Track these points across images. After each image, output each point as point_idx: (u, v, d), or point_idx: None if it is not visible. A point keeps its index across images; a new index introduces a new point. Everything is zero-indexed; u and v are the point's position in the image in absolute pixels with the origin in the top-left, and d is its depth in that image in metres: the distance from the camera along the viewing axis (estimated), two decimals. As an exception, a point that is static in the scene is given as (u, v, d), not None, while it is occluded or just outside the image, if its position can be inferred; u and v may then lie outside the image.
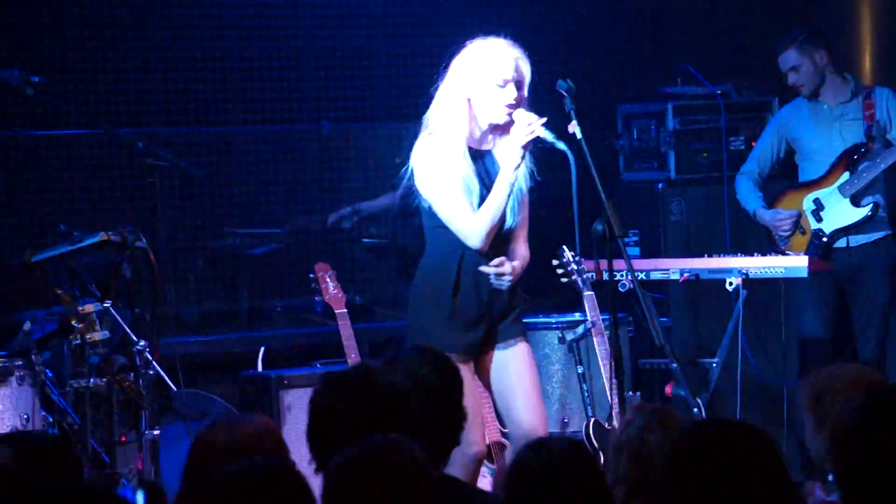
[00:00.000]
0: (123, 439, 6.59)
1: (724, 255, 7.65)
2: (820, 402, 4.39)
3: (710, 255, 7.67)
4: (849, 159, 7.83)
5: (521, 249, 6.12)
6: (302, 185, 8.95)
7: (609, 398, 6.68)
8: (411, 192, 6.06)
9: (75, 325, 6.10)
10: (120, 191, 8.47)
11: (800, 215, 7.88)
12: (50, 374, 6.68)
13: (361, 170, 9.06)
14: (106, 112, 8.43)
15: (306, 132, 8.95)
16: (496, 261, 5.90)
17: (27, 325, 6.79)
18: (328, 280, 7.24)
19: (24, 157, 8.34)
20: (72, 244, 6.42)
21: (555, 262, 7.11)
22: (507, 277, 5.91)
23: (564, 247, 7.09)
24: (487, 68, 5.93)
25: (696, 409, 7.02)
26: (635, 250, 8.35)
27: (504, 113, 5.93)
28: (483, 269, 5.89)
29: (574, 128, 5.89)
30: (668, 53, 9.30)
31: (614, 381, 5.82)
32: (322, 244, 8.87)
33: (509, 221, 6.00)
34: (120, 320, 6.83)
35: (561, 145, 5.89)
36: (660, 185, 8.57)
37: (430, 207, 6.00)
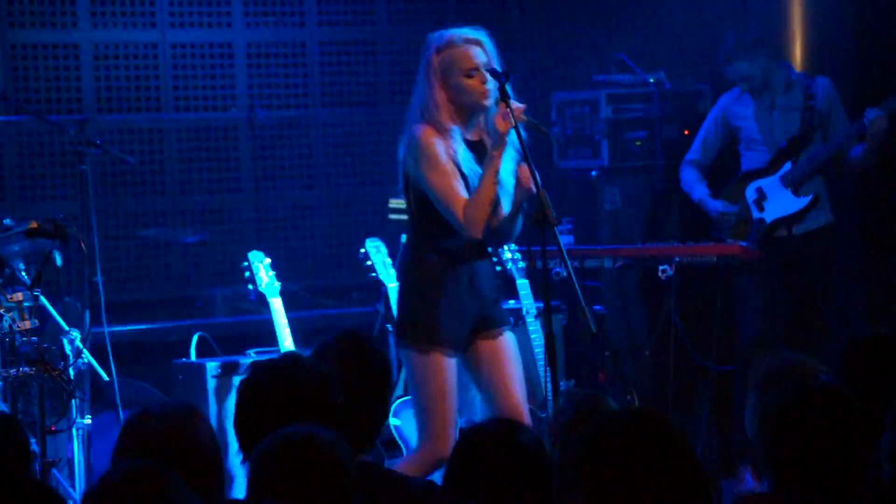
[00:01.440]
0: (53, 429, 6.53)
1: (656, 244, 7.68)
2: (765, 388, 4.43)
3: (643, 243, 7.70)
4: (791, 149, 7.87)
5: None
6: (234, 173, 8.91)
7: (543, 386, 6.69)
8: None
9: (4, 313, 6.04)
10: (51, 178, 8.40)
11: (741, 209, 7.90)
12: (-22, 363, 6.61)
13: (295, 157, 9.03)
14: (37, 99, 8.36)
15: (239, 119, 8.91)
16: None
17: (-45, 314, 6.71)
18: (261, 268, 7.21)
19: (-47, 144, 8.26)
20: (1, 232, 6.35)
21: (489, 251, 7.11)
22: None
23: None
24: (450, 64, 6.00)
25: (629, 397, 7.05)
26: (569, 238, 8.37)
27: (484, 96, 6.00)
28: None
29: (508, 116, 5.89)
30: (602, 41, 9.32)
31: (548, 369, 5.82)
32: (256, 232, 8.84)
33: (505, 208, 6.03)
34: (50, 309, 6.78)
35: (542, 129, 5.99)
36: (593, 173, 8.60)
37: (418, 198, 6.01)
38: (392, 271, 7.21)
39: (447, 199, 5.94)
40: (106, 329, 6.99)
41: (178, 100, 8.79)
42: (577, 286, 5.89)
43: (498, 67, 6.00)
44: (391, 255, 7.31)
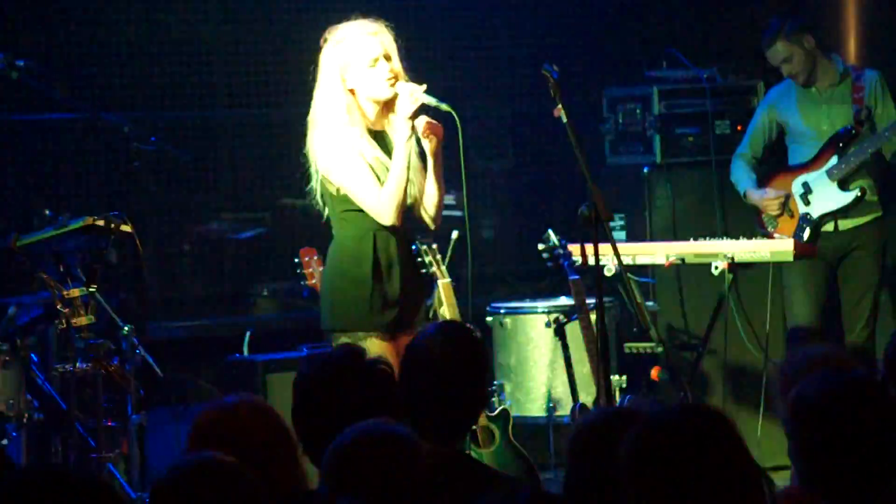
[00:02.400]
0: (109, 424, 6.58)
1: (709, 240, 7.65)
2: (791, 383, 4.41)
3: (695, 240, 7.67)
4: (837, 143, 7.83)
5: (428, 215, 6.22)
6: (288, 170, 8.93)
7: (595, 383, 6.68)
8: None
9: (61, 309, 6.09)
10: (105, 175, 8.45)
11: (788, 196, 7.88)
12: (35, 359, 6.67)
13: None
14: (91, 96, 8.41)
15: (292, 116, 8.92)
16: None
17: (12, 310, 6.78)
18: (313, 265, 7.23)
19: (8, 142, 8.32)
20: (57, 228, 6.40)
21: (540, 247, 7.10)
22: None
23: (550, 231, 7.09)
24: (351, 55, 6.03)
25: (682, 394, 7.02)
26: (621, 234, 8.35)
27: (385, 87, 6.03)
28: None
29: (560, 112, 5.89)
30: (654, 37, 9.29)
31: (600, 365, 5.81)
32: (307, 229, 8.86)
33: (411, 193, 6.09)
34: (105, 305, 6.82)
35: (445, 107, 6.01)
36: (645, 169, 8.57)
37: (336, 193, 6.05)
38: (444, 268, 7.21)
39: (362, 190, 5.99)
40: (160, 325, 7.03)
41: (232, 96, 8.82)
42: (629, 282, 5.89)
43: (399, 59, 6.05)
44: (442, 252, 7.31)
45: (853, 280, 7.87)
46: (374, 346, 5.93)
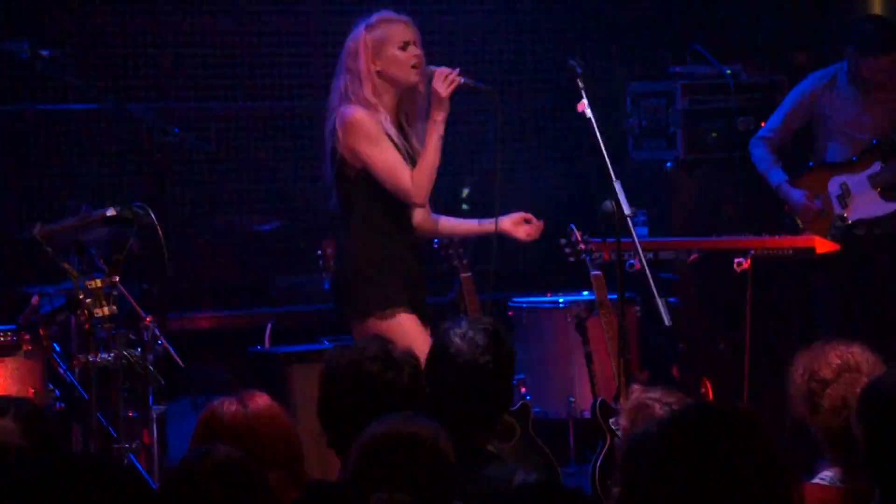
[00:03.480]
0: (130, 414, 6.59)
1: (732, 236, 7.63)
2: (812, 377, 4.39)
3: (718, 235, 7.65)
4: (882, 149, 7.73)
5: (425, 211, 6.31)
6: (310, 162, 8.94)
7: (616, 378, 6.68)
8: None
9: (83, 299, 6.09)
10: (128, 166, 8.47)
11: (822, 202, 7.77)
12: (57, 349, 6.69)
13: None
14: (115, 87, 8.43)
15: (315, 108, 8.93)
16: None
17: (35, 300, 6.79)
18: (335, 257, 7.23)
19: (32, 132, 8.34)
20: (80, 219, 6.41)
21: (562, 241, 7.10)
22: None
23: (573, 226, 7.08)
24: (384, 38, 6.12)
25: (702, 390, 7.02)
26: (644, 230, 8.34)
27: (413, 73, 6.11)
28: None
29: (584, 107, 5.89)
30: (678, 33, 9.27)
31: (622, 361, 5.81)
32: (330, 221, 8.87)
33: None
34: (128, 295, 6.83)
35: (485, 87, 6.14)
36: (668, 165, 8.56)
37: (356, 176, 6.06)
38: (466, 262, 7.21)
39: (392, 169, 6.04)
40: (182, 316, 7.04)
41: (253, 87, 8.83)
42: (651, 278, 5.88)
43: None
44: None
45: (879, 284, 7.77)
46: (409, 321, 5.96)
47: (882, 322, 7.77)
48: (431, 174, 6.03)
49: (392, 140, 6.07)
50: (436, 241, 6.90)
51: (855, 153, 7.79)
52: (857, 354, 4.39)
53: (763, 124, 8.33)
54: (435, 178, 6.06)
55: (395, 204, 6.11)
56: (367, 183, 6.08)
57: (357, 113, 6.06)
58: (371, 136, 6.04)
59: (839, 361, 4.35)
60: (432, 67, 6.08)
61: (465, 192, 9.00)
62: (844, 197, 7.78)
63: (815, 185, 7.84)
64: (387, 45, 6.11)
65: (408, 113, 6.19)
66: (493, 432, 4.54)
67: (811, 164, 7.99)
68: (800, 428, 7.78)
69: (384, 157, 6.04)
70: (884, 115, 7.79)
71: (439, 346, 4.51)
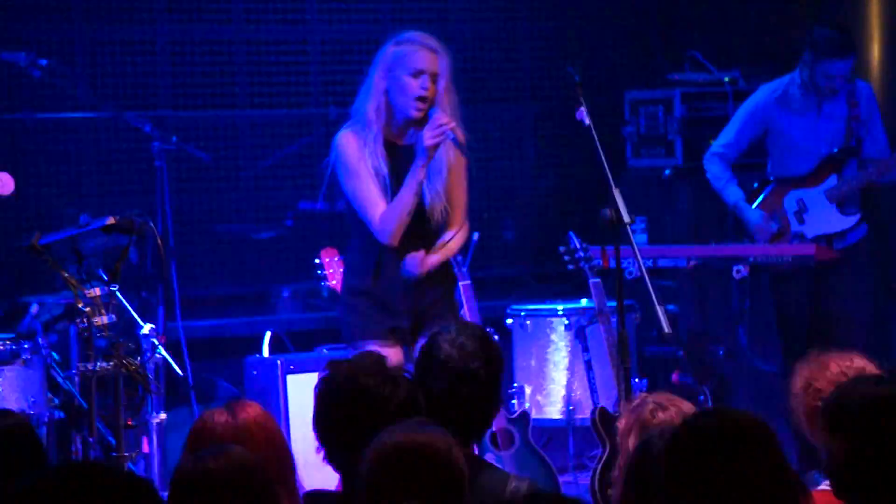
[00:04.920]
0: (130, 423, 6.59)
1: (730, 243, 7.62)
2: (809, 387, 4.39)
3: (717, 243, 7.65)
4: (835, 161, 7.64)
5: (454, 241, 6.13)
6: (310, 170, 8.95)
7: (616, 385, 6.67)
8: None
9: (82, 308, 6.09)
10: (127, 174, 8.48)
11: (779, 219, 7.62)
12: (56, 358, 6.69)
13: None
14: (113, 95, 8.44)
15: (313, 117, 8.95)
16: (411, 256, 5.94)
17: (34, 309, 6.80)
18: (334, 265, 7.23)
19: (31, 141, 8.34)
20: (79, 228, 6.41)
21: (562, 249, 7.10)
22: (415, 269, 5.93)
23: (572, 233, 7.08)
24: (401, 58, 5.96)
25: (701, 397, 7.02)
26: (642, 237, 8.34)
27: (415, 106, 5.94)
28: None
29: (582, 114, 5.89)
30: (676, 39, 9.28)
31: (621, 368, 5.81)
32: (328, 229, 8.87)
33: (437, 217, 6.02)
34: (126, 304, 6.83)
35: (464, 150, 5.94)
36: (667, 172, 8.56)
37: (347, 202, 6.06)
38: (463, 270, 7.21)
39: (364, 204, 5.95)
40: (181, 324, 7.04)
41: (252, 96, 8.84)
42: (650, 285, 5.88)
43: (447, 86, 5.94)
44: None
45: (847, 289, 7.66)
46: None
47: (841, 335, 7.61)
48: (401, 217, 5.90)
49: (374, 167, 5.93)
50: (317, 258, 6.92)
51: (810, 166, 7.64)
52: (857, 365, 4.38)
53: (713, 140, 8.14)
54: (406, 222, 5.91)
55: None
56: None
57: (342, 139, 5.97)
58: (349, 166, 5.95)
59: (838, 371, 4.34)
60: (436, 111, 5.90)
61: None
62: (801, 213, 7.62)
63: (770, 203, 7.66)
64: (400, 67, 5.94)
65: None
66: (480, 440, 4.53)
67: (770, 177, 7.80)
68: (800, 435, 7.79)
69: (359, 190, 5.95)
70: (836, 127, 7.64)
71: (429, 353, 4.50)
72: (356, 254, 6.11)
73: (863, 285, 7.69)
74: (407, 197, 5.90)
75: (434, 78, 5.94)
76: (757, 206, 7.69)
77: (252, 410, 3.91)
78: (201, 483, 3.29)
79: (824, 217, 7.62)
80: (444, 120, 5.87)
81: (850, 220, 7.61)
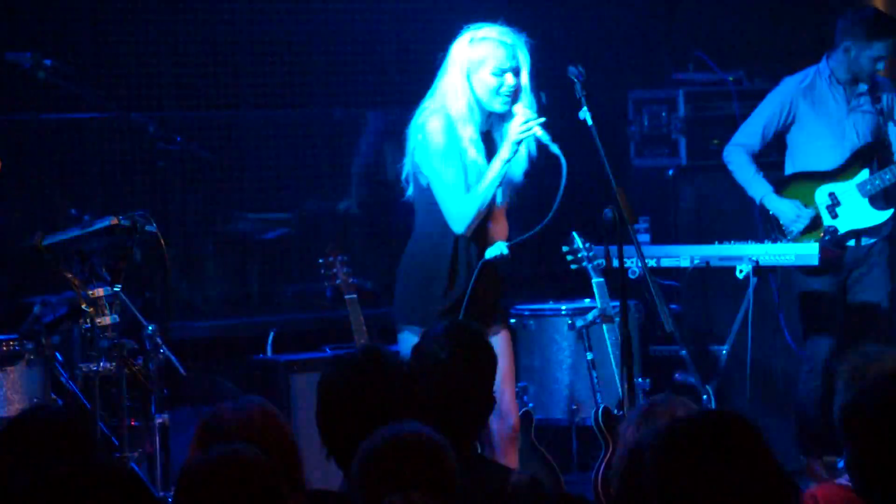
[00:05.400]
0: (133, 423, 6.60)
1: (734, 242, 7.62)
2: (854, 380, 4.37)
3: (720, 242, 7.64)
4: (867, 155, 7.65)
5: (502, 230, 6.20)
6: (313, 171, 8.95)
7: (619, 385, 6.67)
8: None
9: (85, 308, 6.11)
10: (130, 175, 8.48)
11: (816, 213, 7.66)
12: (60, 358, 6.70)
13: (373, 155, 9.06)
14: (117, 96, 8.44)
15: (318, 117, 8.95)
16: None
17: (37, 309, 6.80)
18: (338, 265, 7.23)
19: (35, 141, 8.34)
20: (82, 228, 6.42)
21: (565, 249, 7.09)
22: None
23: (575, 233, 7.08)
24: (485, 56, 6.01)
25: (705, 397, 7.01)
26: (646, 237, 8.34)
27: (501, 102, 6.02)
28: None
29: (585, 114, 5.89)
30: (680, 39, 9.28)
31: (624, 368, 5.80)
32: (332, 229, 8.87)
33: (498, 203, 6.10)
34: (129, 304, 6.83)
35: (555, 149, 5.97)
36: (671, 172, 8.55)
37: (426, 185, 6.07)
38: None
39: (446, 191, 5.99)
40: (184, 324, 7.05)
41: (256, 96, 8.84)
42: (653, 285, 5.87)
43: (528, 75, 6.00)
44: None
45: (868, 296, 7.68)
46: (410, 342, 5.95)
47: (863, 330, 7.64)
48: (478, 210, 5.96)
49: (467, 160, 5.98)
50: (321, 258, 6.93)
51: (839, 160, 7.65)
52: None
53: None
54: (483, 214, 5.98)
55: None
56: (432, 193, 6.07)
57: (434, 124, 6.01)
58: (441, 151, 5.99)
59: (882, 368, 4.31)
60: (520, 105, 5.97)
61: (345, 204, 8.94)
62: (833, 206, 7.63)
63: (801, 196, 7.66)
64: (483, 66, 5.99)
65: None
66: (474, 439, 4.54)
67: (788, 172, 7.81)
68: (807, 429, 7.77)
69: (445, 177, 5.99)
70: (865, 120, 7.66)
71: (418, 352, 4.53)
72: (432, 238, 6.11)
73: (881, 292, 7.70)
74: (487, 191, 5.96)
75: (517, 72, 6.01)
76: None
77: (260, 407, 3.92)
78: (211, 479, 3.30)
79: (857, 211, 7.63)
80: (527, 115, 5.94)
81: (883, 215, 7.62)
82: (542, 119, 5.94)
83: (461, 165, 5.99)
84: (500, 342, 6.08)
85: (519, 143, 5.96)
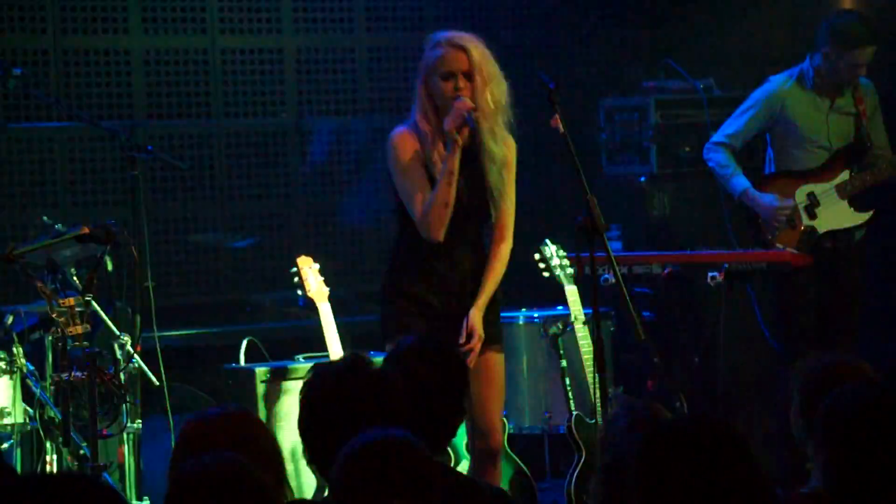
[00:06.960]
0: (105, 433, 6.57)
1: (706, 250, 7.63)
2: (808, 387, 4.38)
3: (691, 249, 7.66)
4: (847, 157, 7.68)
5: (501, 248, 6.14)
6: (285, 179, 8.94)
7: (591, 393, 6.68)
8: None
9: (56, 318, 6.08)
10: (102, 184, 8.46)
11: (795, 207, 7.69)
12: (31, 367, 6.66)
13: (345, 162, 9.06)
14: (88, 105, 8.41)
15: (289, 125, 8.94)
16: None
17: (8, 319, 6.77)
18: (310, 274, 7.22)
19: (5, 150, 8.32)
20: (53, 237, 6.39)
21: (537, 257, 7.10)
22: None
23: (548, 241, 7.09)
24: (433, 62, 6.04)
25: (678, 404, 7.02)
26: (617, 244, 8.35)
27: (449, 105, 6.00)
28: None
29: (557, 122, 5.89)
30: (651, 47, 9.30)
31: (596, 375, 5.81)
32: (304, 238, 8.86)
33: (494, 215, 6.09)
34: (101, 313, 6.81)
35: (477, 131, 5.97)
36: (642, 179, 8.57)
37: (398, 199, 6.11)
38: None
39: (409, 200, 6.01)
40: (156, 334, 7.02)
41: (227, 105, 8.83)
42: (625, 292, 5.89)
43: (487, 77, 5.98)
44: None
45: (843, 294, 7.72)
46: None
47: (838, 333, 7.68)
48: (439, 210, 5.95)
49: (430, 166, 5.99)
50: (293, 267, 6.93)
51: (819, 161, 7.68)
52: (857, 366, 4.37)
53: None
54: (444, 215, 5.96)
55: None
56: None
57: (397, 137, 6.04)
58: (400, 163, 6.02)
59: (837, 374, 4.32)
60: (459, 100, 5.94)
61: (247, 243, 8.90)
62: (812, 207, 7.68)
63: (781, 195, 7.69)
64: (433, 71, 6.01)
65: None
66: (443, 449, 4.55)
67: (768, 172, 7.84)
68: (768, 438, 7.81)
69: (405, 188, 6.01)
70: (846, 122, 7.70)
71: (393, 362, 4.56)
72: (406, 251, 6.12)
73: (856, 290, 7.72)
74: (441, 189, 5.94)
75: (468, 75, 5.98)
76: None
77: (246, 415, 3.90)
78: (203, 488, 3.29)
79: (835, 212, 7.66)
80: (464, 105, 5.91)
81: (863, 217, 7.65)
82: (472, 106, 5.92)
83: (420, 174, 6.00)
84: (494, 364, 6.10)
85: (456, 131, 5.92)
